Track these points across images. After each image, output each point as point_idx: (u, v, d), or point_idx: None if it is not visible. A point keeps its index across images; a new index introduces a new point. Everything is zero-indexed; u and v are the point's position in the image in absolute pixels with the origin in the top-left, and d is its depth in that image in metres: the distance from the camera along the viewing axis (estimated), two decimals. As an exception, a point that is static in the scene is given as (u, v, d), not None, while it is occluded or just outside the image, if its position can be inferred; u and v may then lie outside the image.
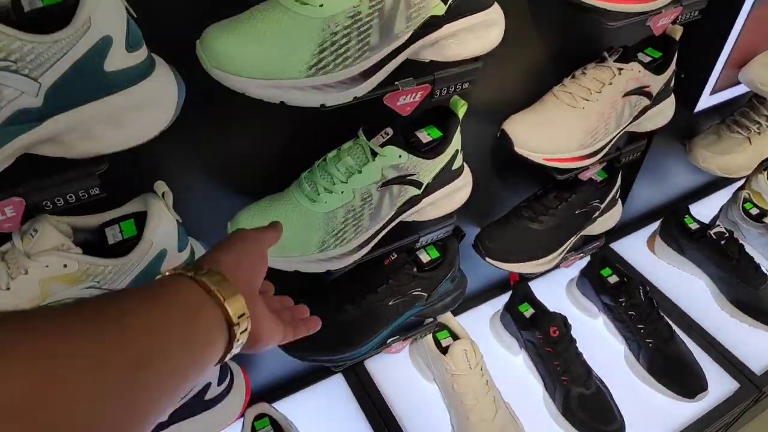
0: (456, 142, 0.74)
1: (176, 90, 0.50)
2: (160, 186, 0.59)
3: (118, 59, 0.45)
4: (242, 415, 0.88)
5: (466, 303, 1.24)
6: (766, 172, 1.43)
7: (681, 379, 1.08)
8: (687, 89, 1.07)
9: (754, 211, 1.36)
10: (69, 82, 0.43)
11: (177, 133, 0.55)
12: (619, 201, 1.12)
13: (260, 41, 0.51)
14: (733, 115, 1.28)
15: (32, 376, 0.26)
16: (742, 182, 1.51)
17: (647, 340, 1.10)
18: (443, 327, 1.08)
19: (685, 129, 1.32)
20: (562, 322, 1.07)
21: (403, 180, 0.69)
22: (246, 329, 0.42)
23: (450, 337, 1.06)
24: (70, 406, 0.27)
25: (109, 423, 0.29)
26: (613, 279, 1.20)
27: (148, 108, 0.48)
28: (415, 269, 0.87)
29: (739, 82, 1.13)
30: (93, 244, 0.58)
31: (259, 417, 0.93)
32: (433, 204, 0.77)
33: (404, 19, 0.54)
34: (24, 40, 0.40)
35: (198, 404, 0.76)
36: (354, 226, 0.69)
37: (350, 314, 0.84)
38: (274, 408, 0.94)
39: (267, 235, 0.52)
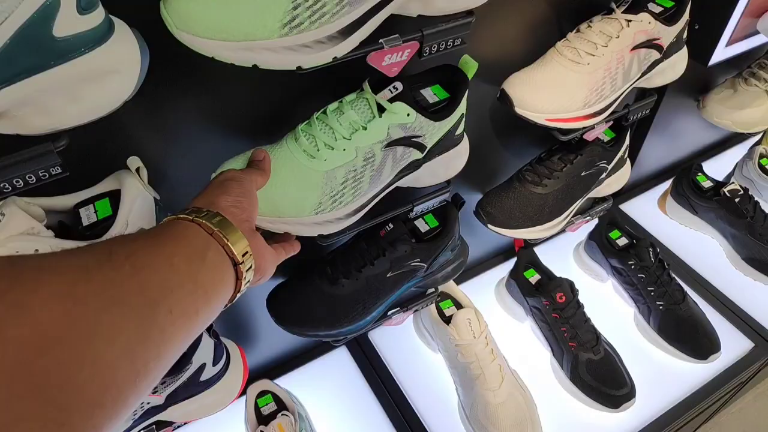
0: (463, 105, 0.69)
1: (139, 55, 0.46)
2: (134, 161, 0.56)
3: (69, 23, 0.41)
4: (243, 393, 0.86)
5: (469, 271, 1.21)
6: (784, 126, 1.37)
7: (693, 340, 1.05)
8: (701, 41, 1.01)
9: (771, 167, 1.31)
10: (14, 51, 0.39)
11: (146, 102, 0.51)
12: (628, 161, 1.07)
13: (229, -1, 0.46)
14: (751, 67, 1.21)
15: (55, 314, 0.27)
16: (758, 137, 1.45)
17: (658, 303, 1.07)
18: (446, 296, 1.05)
19: (698, 83, 1.26)
20: (569, 287, 1.04)
21: (408, 141, 0.64)
22: (251, 267, 0.43)
23: (453, 307, 1.04)
24: (90, 342, 0.28)
25: (127, 359, 0.30)
26: (622, 241, 1.16)
27: (109, 76, 0.44)
28: (413, 240, 0.84)
29: (756, 32, 1.06)
30: (67, 226, 0.55)
31: (262, 394, 0.91)
32: (430, 169, 0.73)
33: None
34: (-43, 5, 0.36)
35: (195, 385, 0.75)
36: (353, 188, 0.64)
37: (347, 288, 0.81)
38: (276, 384, 0.93)
39: (256, 176, 0.54)
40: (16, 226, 0.49)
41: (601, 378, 0.99)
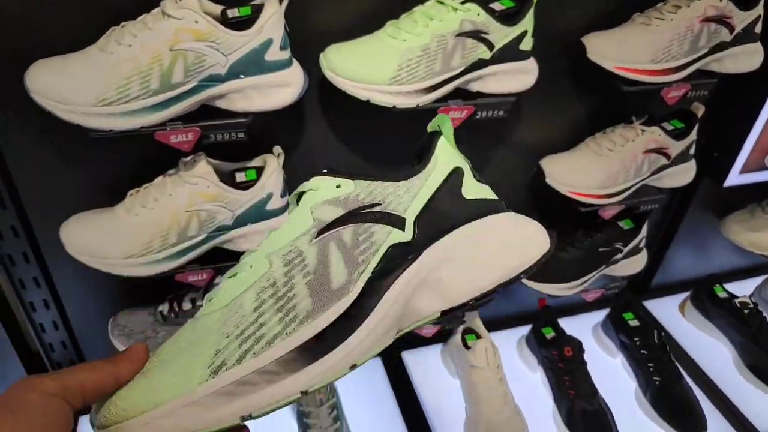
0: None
1: (303, 79, 0.77)
2: (277, 149, 0.86)
3: (275, 54, 0.72)
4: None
5: (497, 324, 1.41)
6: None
7: (682, 418, 1.18)
8: (720, 165, 1.24)
9: (785, 293, 1.45)
10: (244, 63, 0.70)
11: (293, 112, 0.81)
12: (645, 251, 1.27)
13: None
14: (769, 198, 1.41)
15: None
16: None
17: (654, 378, 1.22)
18: (472, 331, 1.25)
19: (722, 205, 1.46)
20: (578, 345, 1.22)
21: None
22: None
23: (476, 340, 1.24)
24: None
25: None
26: (633, 323, 1.33)
27: (286, 87, 0.75)
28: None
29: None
30: (227, 181, 0.85)
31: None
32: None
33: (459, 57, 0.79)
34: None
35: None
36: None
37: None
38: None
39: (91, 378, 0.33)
40: (202, 171, 0.79)
41: (592, 427, 1.14)
